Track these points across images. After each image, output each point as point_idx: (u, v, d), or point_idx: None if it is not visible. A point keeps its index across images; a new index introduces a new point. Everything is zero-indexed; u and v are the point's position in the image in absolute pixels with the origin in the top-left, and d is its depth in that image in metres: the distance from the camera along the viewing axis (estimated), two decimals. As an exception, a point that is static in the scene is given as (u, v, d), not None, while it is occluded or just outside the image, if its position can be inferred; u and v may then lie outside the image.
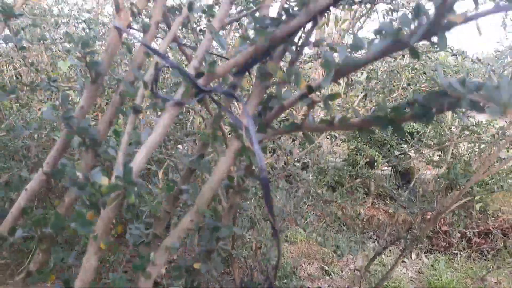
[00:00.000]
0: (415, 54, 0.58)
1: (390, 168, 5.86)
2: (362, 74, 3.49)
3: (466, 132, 2.78)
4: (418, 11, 0.55)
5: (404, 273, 4.34)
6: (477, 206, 4.65)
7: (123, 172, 0.73)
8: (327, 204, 5.02)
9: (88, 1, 4.99)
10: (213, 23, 0.77)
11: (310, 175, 2.76)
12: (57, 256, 1.03)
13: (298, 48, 0.73)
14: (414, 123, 4.68)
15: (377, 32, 0.58)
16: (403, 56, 3.57)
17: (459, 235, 3.82)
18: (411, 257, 4.77)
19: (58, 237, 1.01)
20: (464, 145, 3.32)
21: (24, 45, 1.35)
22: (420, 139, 3.97)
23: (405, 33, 0.55)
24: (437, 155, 3.76)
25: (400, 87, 3.39)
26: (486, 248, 4.35)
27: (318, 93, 0.88)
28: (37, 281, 1.00)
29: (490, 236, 4.46)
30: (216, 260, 0.90)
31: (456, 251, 4.49)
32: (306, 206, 4.33)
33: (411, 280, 4.20)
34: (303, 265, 4.45)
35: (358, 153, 4.75)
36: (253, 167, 0.86)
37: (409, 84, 3.65)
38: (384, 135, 4.81)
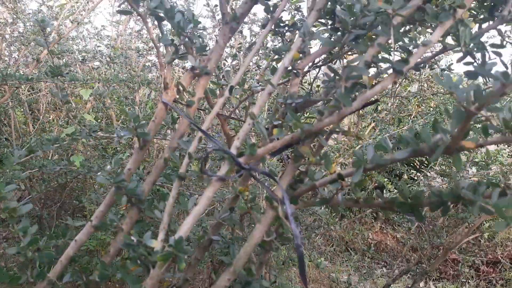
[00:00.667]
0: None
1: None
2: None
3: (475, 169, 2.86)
4: (436, 128, 0.66)
5: (413, 302, 4.36)
6: (486, 235, 4.67)
7: (174, 241, 0.84)
8: (335, 230, 5.09)
9: (107, 28, 5.20)
10: (253, 110, 0.89)
11: (322, 208, 2.85)
12: (101, 302, 1.13)
13: (326, 137, 0.85)
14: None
15: (401, 140, 0.69)
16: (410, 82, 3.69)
17: (467, 270, 3.86)
18: (419, 285, 4.79)
19: (102, 284, 1.12)
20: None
21: (69, 100, 1.49)
22: (430, 166, 4.05)
23: (424, 145, 0.66)
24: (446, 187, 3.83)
25: (410, 120, 3.49)
26: (495, 278, 4.36)
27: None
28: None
29: (498, 265, 4.47)
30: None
31: (465, 280, 4.50)
32: (317, 236, 4.40)
33: (420, 309, 4.22)
34: (312, 290, 4.48)
35: (366, 178, 4.83)
36: (283, 231, 0.96)
37: (416, 117, 3.76)
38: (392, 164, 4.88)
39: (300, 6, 2.21)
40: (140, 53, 3.81)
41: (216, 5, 2.89)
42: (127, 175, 1.09)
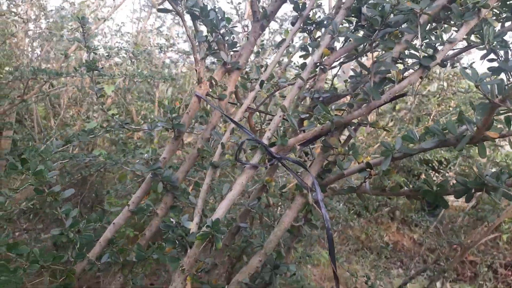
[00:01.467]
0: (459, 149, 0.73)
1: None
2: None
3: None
4: (461, 119, 0.70)
5: (429, 302, 4.34)
6: (504, 237, 4.63)
7: (212, 222, 0.90)
8: (352, 228, 5.10)
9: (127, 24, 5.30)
10: (284, 103, 0.94)
11: (341, 205, 2.89)
12: (135, 280, 1.21)
13: (355, 128, 0.90)
14: (441, 151, 4.71)
15: (429, 131, 0.74)
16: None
17: (485, 270, 3.83)
18: (435, 285, 4.77)
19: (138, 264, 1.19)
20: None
21: (103, 94, 1.57)
22: (449, 167, 4.04)
23: (450, 136, 0.71)
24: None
25: (430, 119, 3.49)
26: (513, 281, 4.32)
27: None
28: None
29: (517, 268, 4.42)
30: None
31: (482, 282, 4.47)
32: (334, 233, 4.43)
33: (436, 309, 4.21)
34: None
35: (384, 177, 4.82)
36: (311, 218, 1.02)
37: (436, 116, 3.75)
38: (411, 164, 4.86)
39: (321, 3, 2.26)
40: (161, 49, 3.90)
41: (239, 3, 2.96)
42: (163, 163, 1.16)
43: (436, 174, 4.96)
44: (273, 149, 0.94)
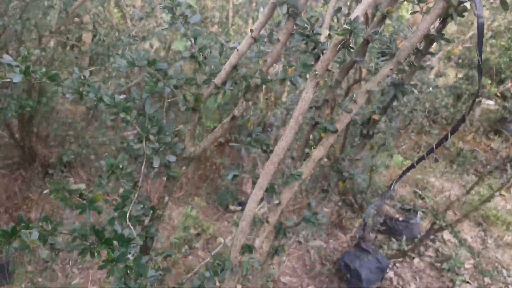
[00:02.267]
0: None
1: (493, 103, 5.51)
2: None
3: None
4: None
5: (502, 205, 4.29)
6: None
7: (350, 21, 0.92)
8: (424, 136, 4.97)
9: None
10: None
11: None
12: (256, 106, 1.31)
13: None
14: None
15: None
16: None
17: None
18: (511, 192, 4.66)
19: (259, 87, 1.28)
20: None
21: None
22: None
23: None
24: None
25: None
26: None
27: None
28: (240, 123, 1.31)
29: None
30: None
31: None
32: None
33: (509, 212, 4.16)
34: (396, 187, 4.58)
35: (466, 81, 4.52)
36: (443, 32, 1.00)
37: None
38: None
39: None
40: None
41: None
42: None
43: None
44: None
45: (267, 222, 1.24)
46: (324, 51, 1.02)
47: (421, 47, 1.09)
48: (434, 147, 1.17)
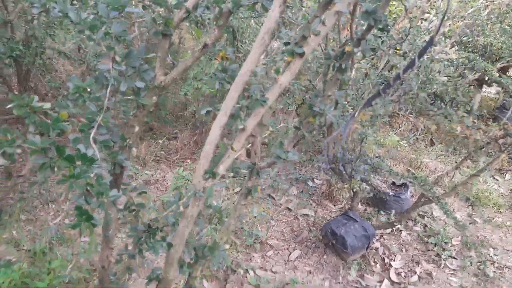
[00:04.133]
0: None
1: (494, 91, 5.42)
2: None
3: None
4: None
5: (496, 189, 4.26)
6: None
7: None
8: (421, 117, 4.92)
9: None
10: None
11: (414, 83, 2.75)
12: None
13: None
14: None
15: None
16: None
17: None
18: (505, 177, 4.62)
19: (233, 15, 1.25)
20: None
21: None
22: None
23: None
24: None
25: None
26: None
27: None
28: (213, 52, 1.29)
29: None
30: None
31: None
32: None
33: (501, 195, 4.13)
34: (390, 165, 4.55)
35: (468, 64, 4.44)
36: None
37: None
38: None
39: None
40: None
41: None
42: None
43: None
44: None
45: (232, 149, 1.23)
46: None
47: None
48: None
